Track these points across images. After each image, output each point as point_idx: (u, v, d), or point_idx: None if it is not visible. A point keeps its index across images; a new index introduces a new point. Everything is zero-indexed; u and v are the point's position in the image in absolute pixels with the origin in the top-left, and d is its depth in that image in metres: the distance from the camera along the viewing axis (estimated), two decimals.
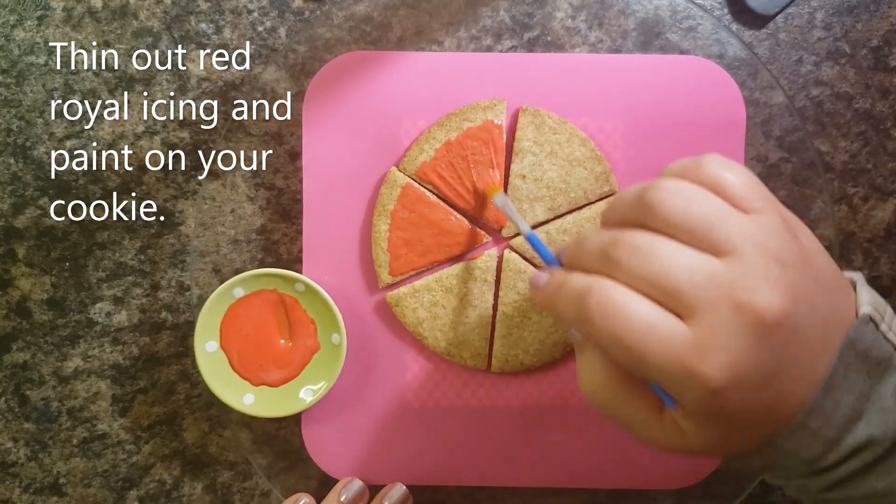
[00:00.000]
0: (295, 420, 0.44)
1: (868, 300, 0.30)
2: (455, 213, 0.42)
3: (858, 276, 0.31)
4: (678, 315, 0.27)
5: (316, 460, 0.44)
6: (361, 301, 0.43)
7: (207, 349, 0.42)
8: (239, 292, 0.42)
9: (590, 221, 0.42)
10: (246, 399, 0.42)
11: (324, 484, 0.44)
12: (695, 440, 0.29)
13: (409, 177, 0.42)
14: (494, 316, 0.43)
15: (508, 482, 0.44)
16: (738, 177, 0.28)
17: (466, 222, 0.42)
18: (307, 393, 0.42)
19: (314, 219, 0.43)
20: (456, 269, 0.42)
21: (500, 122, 0.42)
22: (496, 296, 0.43)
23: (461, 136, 0.42)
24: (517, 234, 0.42)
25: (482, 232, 0.43)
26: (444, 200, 0.42)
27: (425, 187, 0.42)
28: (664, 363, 0.26)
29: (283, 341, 0.43)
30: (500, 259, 0.42)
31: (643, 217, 0.28)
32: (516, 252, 0.42)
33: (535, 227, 0.42)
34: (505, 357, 0.42)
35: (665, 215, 0.27)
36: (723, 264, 0.26)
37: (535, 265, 0.42)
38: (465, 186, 0.42)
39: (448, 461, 0.44)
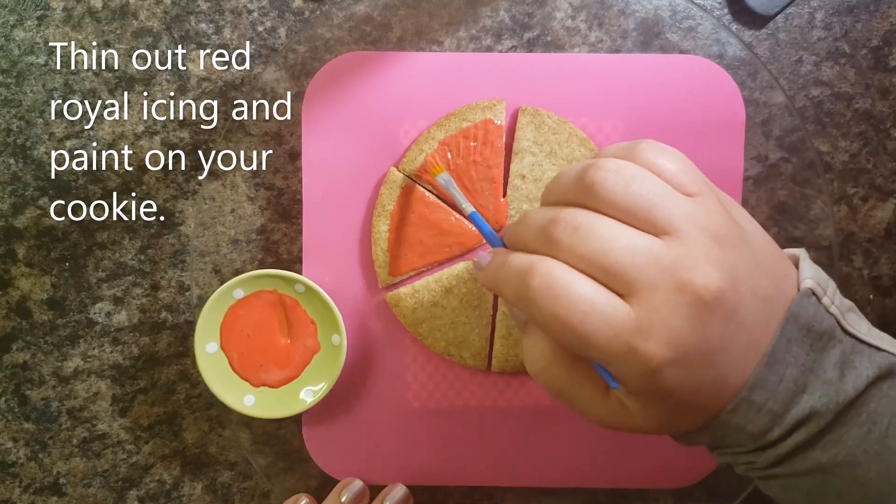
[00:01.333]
0: (295, 420, 0.44)
1: (810, 274, 0.30)
2: (455, 213, 0.42)
3: (802, 252, 0.32)
4: (619, 294, 0.27)
5: (316, 460, 0.44)
6: (361, 301, 0.43)
7: (208, 350, 0.42)
8: (239, 293, 0.42)
9: None
10: (246, 400, 0.42)
11: (324, 484, 0.44)
12: (640, 419, 0.29)
13: (408, 177, 0.42)
14: (494, 316, 0.43)
15: (508, 482, 0.44)
16: (675, 161, 0.29)
17: (466, 222, 0.42)
18: (307, 394, 0.42)
19: (314, 219, 0.43)
20: (456, 269, 0.42)
21: (499, 122, 0.42)
22: (496, 296, 0.43)
23: (459, 132, 0.42)
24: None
25: None
26: (444, 200, 0.42)
27: (425, 187, 0.42)
28: (606, 342, 0.26)
29: (284, 339, 0.43)
30: None
31: (583, 197, 0.28)
32: None
33: None
34: (505, 357, 0.42)
35: (606, 195, 0.27)
36: (663, 244, 0.27)
37: None
38: (465, 186, 0.42)
39: (448, 461, 0.44)
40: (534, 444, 0.43)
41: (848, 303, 0.31)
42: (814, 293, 0.29)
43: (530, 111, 0.42)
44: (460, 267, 0.42)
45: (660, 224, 0.27)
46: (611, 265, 0.26)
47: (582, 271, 0.27)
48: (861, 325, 0.31)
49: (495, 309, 0.43)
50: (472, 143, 0.42)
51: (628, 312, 0.26)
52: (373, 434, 0.44)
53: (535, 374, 0.31)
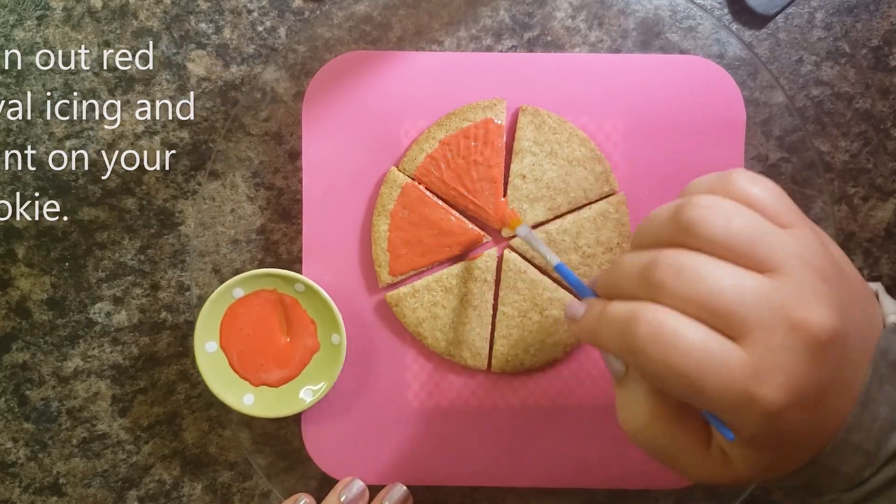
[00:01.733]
0: (295, 420, 0.44)
1: (893, 309, 0.29)
2: (455, 213, 0.42)
3: (878, 287, 0.31)
4: (730, 337, 0.26)
5: (316, 460, 0.44)
6: (361, 301, 0.43)
7: (207, 349, 0.42)
8: (239, 292, 0.42)
9: (590, 221, 0.42)
10: (246, 399, 0.42)
11: (324, 484, 0.44)
12: (742, 468, 0.28)
13: (409, 177, 0.42)
14: (494, 316, 0.43)
15: (508, 482, 0.44)
16: (768, 191, 0.27)
17: (467, 222, 0.42)
18: (307, 393, 0.42)
19: (314, 219, 0.43)
20: (456, 269, 0.42)
21: (500, 122, 0.42)
22: (496, 296, 0.43)
23: (459, 132, 0.42)
24: (516, 235, 0.42)
25: (482, 232, 0.42)
26: (444, 201, 0.42)
27: (419, 191, 0.42)
28: (722, 389, 0.25)
29: (284, 338, 0.43)
30: (501, 259, 0.42)
31: (681, 236, 0.27)
32: (516, 252, 0.42)
33: (535, 226, 0.42)
34: (505, 357, 0.42)
35: (705, 233, 0.26)
36: (771, 282, 0.26)
37: (535, 265, 0.42)
38: (465, 186, 0.42)
39: (448, 461, 0.44)
40: (534, 445, 0.43)
41: None
42: None
43: (531, 111, 0.42)
44: (460, 267, 0.42)
45: (763, 260, 0.26)
46: (720, 307, 0.25)
47: (689, 315, 0.26)
48: None
49: (495, 309, 0.43)
50: (472, 143, 0.42)
51: (742, 357, 0.25)
52: (372, 433, 0.44)
53: (633, 433, 0.29)
